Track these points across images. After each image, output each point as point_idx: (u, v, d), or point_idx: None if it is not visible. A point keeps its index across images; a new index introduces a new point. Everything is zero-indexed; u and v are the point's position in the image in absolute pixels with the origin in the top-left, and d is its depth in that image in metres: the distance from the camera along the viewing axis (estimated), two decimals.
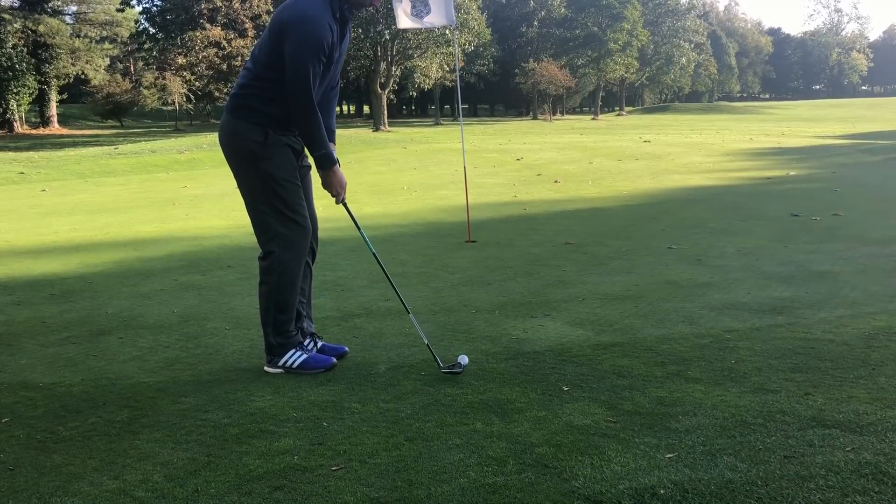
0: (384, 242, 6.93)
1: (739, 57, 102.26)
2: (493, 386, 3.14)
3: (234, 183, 3.47)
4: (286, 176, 3.34)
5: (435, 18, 6.84)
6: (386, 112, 45.66)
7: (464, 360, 3.33)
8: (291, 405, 2.99)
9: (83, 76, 47.21)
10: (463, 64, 50.04)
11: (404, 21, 6.83)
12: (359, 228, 3.57)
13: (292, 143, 3.39)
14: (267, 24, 3.36)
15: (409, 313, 3.57)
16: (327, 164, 3.34)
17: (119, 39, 48.68)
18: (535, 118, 60.77)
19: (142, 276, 5.82)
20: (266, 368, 3.47)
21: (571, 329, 3.98)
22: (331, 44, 3.21)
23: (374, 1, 3.41)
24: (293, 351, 3.45)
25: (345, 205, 3.50)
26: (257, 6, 40.85)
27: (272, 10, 40.65)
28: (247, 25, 40.38)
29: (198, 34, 37.82)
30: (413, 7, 6.79)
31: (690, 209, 8.93)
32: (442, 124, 53.21)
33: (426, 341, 3.42)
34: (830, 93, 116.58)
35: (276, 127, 3.30)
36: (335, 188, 3.39)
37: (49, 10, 43.12)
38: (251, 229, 3.47)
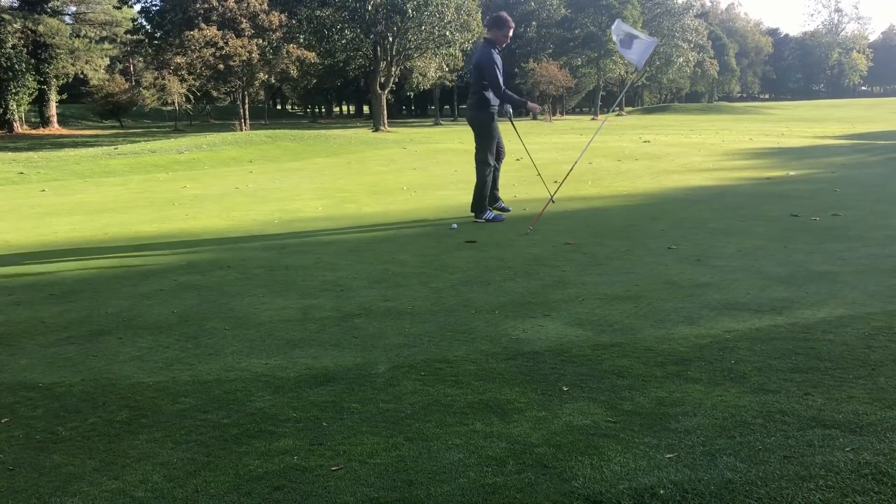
0: (384, 242, 6.93)
1: (739, 57, 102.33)
2: (493, 386, 3.14)
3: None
4: (493, 133, 7.99)
5: (632, 56, 8.04)
6: (385, 112, 45.67)
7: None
8: (291, 405, 2.98)
9: (83, 76, 47.27)
10: (462, 64, 49.98)
11: (632, 56, 7.99)
12: None
13: (495, 117, 7.90)
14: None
15: None
16: (522, 105, 8.45)
17: (118, 39, 48.69)
18: (534, 118, 60.73)
19: (142, 276, 5.81)
20: (476, 220, 7.81)
21: (571, 329, 3.98)
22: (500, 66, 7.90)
23: (503, 40, 8.08)
24: (489, 211, 7.85)
25: (510, 119, 8.38)
26: (254, 5, 40.63)
27: (267, 9, 40.74)
28: (243, 25, 40.12)
29: (195, 34, 37.70)
30: (621, 41, 8.03)
31: (690, 209, 8.92)
32: (441, 124, 53.14)
33: None
34: (830, 93, 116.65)
35: (491, 110, 7.89)
36: (534, 110, 9.37)
37: (49, 10, 43.16)
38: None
